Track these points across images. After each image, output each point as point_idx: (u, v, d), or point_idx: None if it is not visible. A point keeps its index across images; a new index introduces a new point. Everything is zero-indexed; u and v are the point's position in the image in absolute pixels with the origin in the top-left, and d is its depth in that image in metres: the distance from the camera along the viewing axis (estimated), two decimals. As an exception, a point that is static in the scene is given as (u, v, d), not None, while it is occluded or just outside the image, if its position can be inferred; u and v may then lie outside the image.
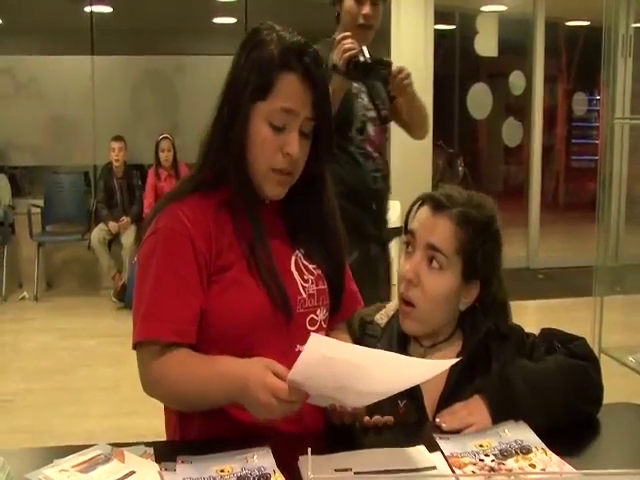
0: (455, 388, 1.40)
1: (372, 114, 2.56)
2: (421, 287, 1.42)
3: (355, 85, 2.50)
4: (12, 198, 6.19)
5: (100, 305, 5.77)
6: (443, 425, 1.30)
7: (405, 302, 1.44)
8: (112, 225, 5.98)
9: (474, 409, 1.32)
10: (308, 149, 1.32)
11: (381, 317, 1.55)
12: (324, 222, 1.39)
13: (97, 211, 6.20)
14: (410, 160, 6.74)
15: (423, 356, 1.46)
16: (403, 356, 1.18)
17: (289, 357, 1.14)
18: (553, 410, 1.31)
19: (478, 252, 1.42)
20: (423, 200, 1.47)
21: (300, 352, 1.09)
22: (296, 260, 1.37)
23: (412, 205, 1.49)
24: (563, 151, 10.55)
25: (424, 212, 1.45)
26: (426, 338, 1.48)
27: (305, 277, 1.36)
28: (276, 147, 1.28)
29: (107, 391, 3.97)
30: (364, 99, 2.55)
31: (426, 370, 1.19)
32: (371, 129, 2.55)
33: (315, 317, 1.36)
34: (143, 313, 1.26)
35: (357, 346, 1.16)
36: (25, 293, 6.10)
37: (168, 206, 1.31)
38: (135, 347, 1.27)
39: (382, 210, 2.62)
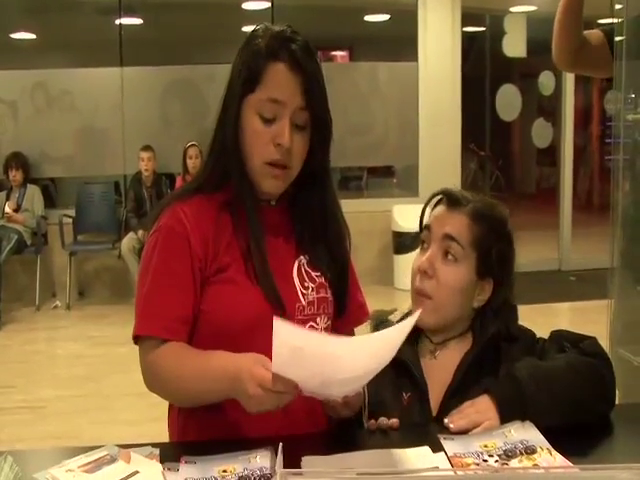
0: (461, 385, 1.40)
1: None
2: (436, 278, 1.43)
3: None
4: (45, 209, 6.29)
5: (130, 313, 5.66)
6: (451, 425, 1.29)
7: (420, 293, 1.45)
8: (142, 234, 6.03)
9: (482, 408, 1.31)
10: (305, 142, 1.31)
11: (395, 316, 1.56)
12: (327, 221, 1.38)
13: (127, 220, 6.29)
14: (438, 162, 6.71)
15: (433, 352, 1.47)
16: (366, 335, 1.18)
17: None
18: (562, 407, 1.30)
19: (492, 249, 1.44)
20: (439, 198, 1.50)
21: None
22: (299, 266, 1.37)
23: (427, 203, 1.51)
24: (597, 151, 10.38)
25: (439, 208, 1.48)
26: (437, 333, 1.47)
27: (305, 284, 1.36)
28: (268, 139, 1.28)
29: (136, 398, 3.99)
30: None
31: (394, 338, 1.15)
32: None
33: (315, 325, 1.36)
34: (139, 309, 1.30)
35: (322, 335, 1.14)
36: (58, 302, 6.21)
37: (172, 205, 1.33)
38: (136, 342, 1.31)
39: None
